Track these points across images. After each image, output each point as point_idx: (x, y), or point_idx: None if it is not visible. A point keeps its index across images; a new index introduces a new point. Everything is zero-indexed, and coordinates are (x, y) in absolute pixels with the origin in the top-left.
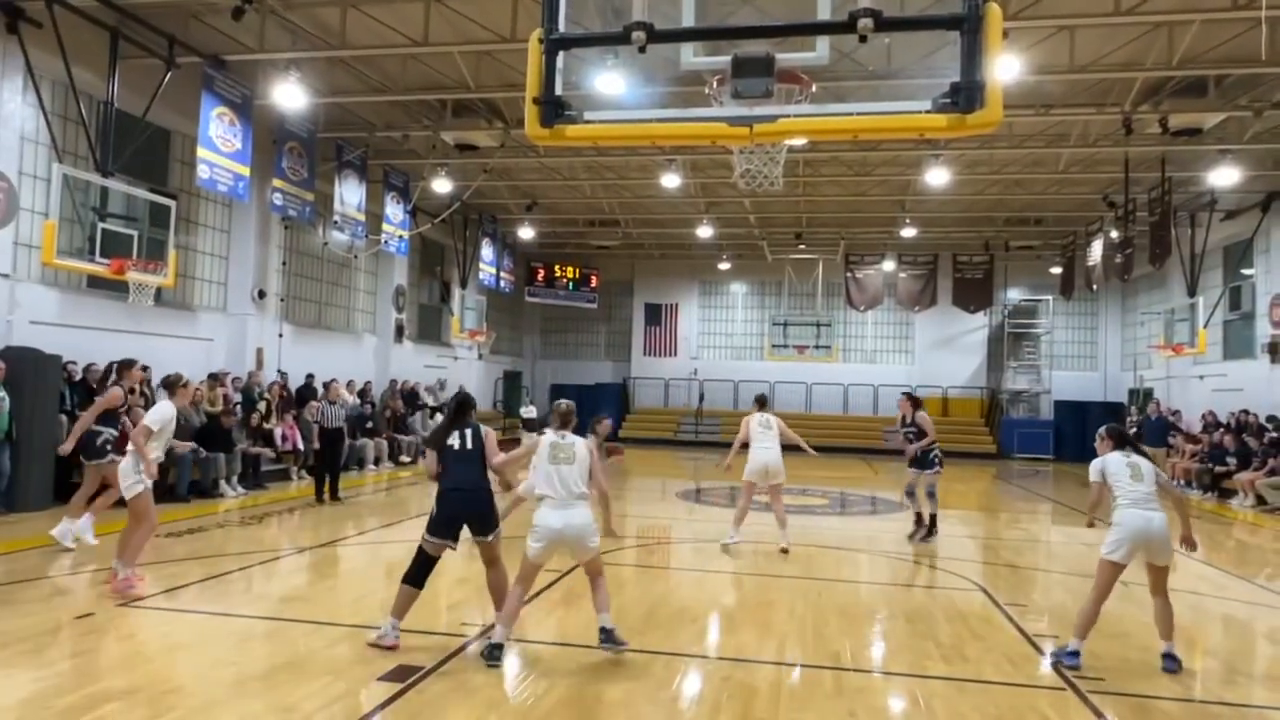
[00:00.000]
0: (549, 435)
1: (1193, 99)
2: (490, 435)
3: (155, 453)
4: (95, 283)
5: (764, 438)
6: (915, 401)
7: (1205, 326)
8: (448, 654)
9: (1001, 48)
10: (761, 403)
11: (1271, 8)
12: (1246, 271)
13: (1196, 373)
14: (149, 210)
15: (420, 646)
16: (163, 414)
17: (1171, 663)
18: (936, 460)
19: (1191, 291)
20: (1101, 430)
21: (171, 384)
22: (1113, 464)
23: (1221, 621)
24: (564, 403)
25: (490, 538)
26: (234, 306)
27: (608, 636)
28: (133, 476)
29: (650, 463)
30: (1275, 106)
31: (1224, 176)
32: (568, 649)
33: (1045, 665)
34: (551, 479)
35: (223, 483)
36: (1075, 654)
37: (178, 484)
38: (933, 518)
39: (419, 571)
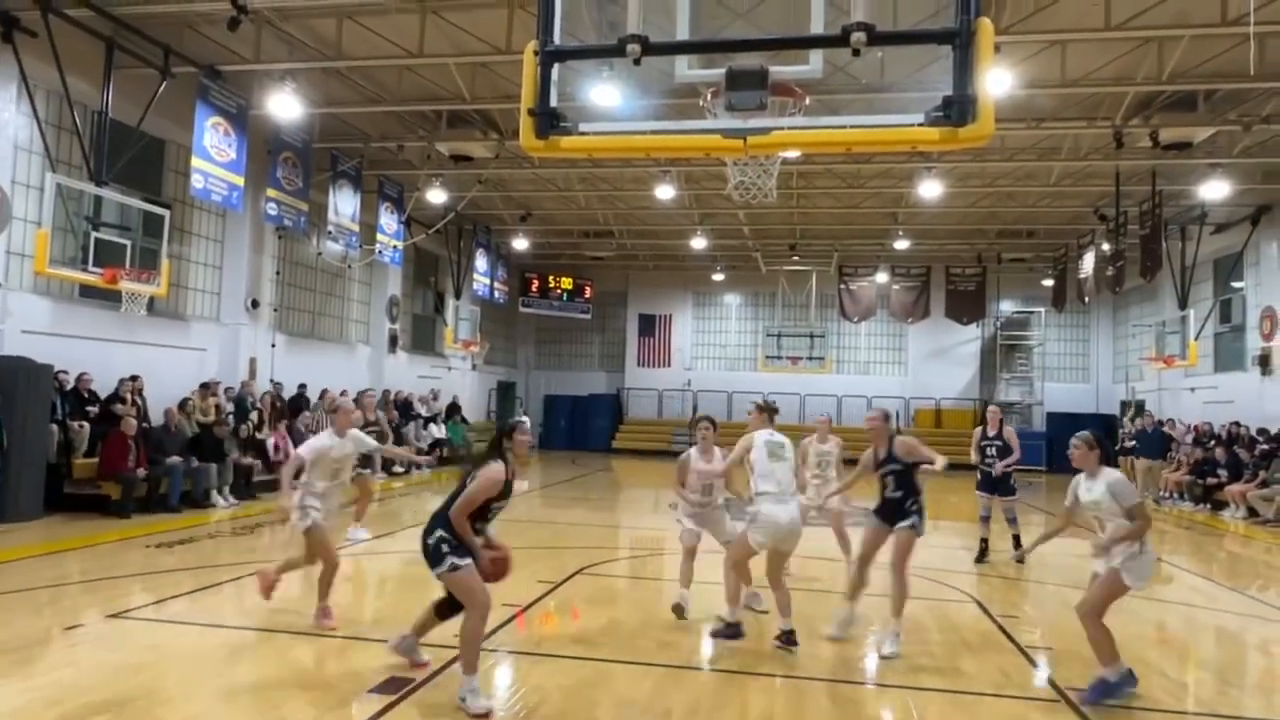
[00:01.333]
0: (763, 434)
1: (1182, 113)
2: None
3: (318, 486)
4: (88, 292)
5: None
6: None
7: (1196, 339)
8: (441, 665)
9: (993, 62)
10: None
11: (1260, 23)
12: (1236, 284)
13: (1188, 385)
14: (143, 220)
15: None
16: (315, 446)
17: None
18: (1014, 484)
19: (1182, 304)
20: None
21: (332, 409)
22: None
23: (1213, 633)
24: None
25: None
26: (227, 316)
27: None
28: (298, 510)
29: (644, 474)
30: (1264, 121)
31: (1214, 190)
32: (559, 660)
33: (1039, 677)
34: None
35: (214, 493)
36: (1120, 684)
37: (169, 494)
38: (1015, 538)
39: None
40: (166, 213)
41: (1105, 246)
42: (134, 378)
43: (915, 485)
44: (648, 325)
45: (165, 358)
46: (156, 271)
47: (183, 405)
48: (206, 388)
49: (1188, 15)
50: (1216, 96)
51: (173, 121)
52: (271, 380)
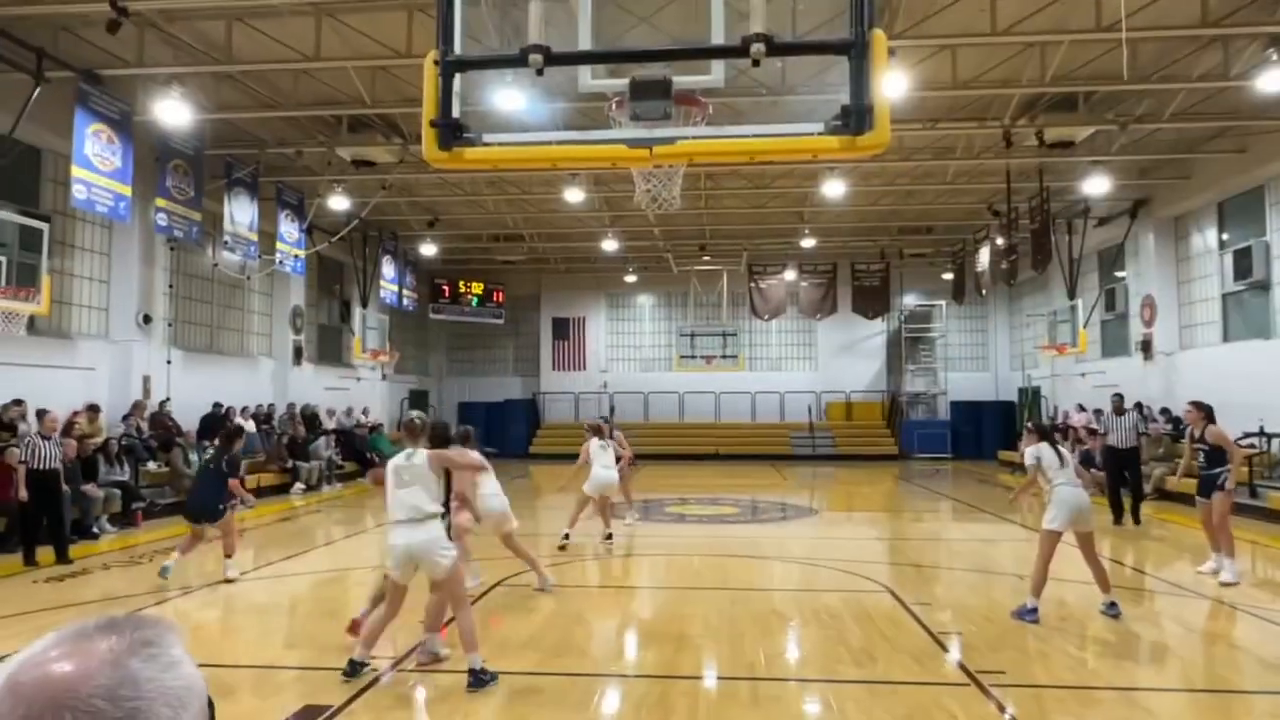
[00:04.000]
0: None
1: (1065, 114)
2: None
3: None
4: None
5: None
6: (1208, 412)
7: (1085, 327)
8: (357, 690)
9: (887, 71)
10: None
11: (1131, 29)
12: (1119, 274)
13: (1079, 370)
14: (19, 234)
15: (326, 685)
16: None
17: (1113, 609)
18: (1224, 480)
19: (1071, 294)
20: (1029, 424)
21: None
22: (1046, 453)
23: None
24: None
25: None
26: (117, 333)
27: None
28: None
29: (560, 478)
30: (1138, 120)
31: (1096, 186)
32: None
33: (950, 662)
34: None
35: (105, 521)
36: (1034, 610)
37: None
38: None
39: None
40: (45, 226)
41: (999, 241)
42: (18, 402)
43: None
44: (561, 329)
45: (50, 378)
46: (36, 288)
47: (68, 429)
48: (94, 409)
49: (1066, 21)
50: (1095, 98)
51: (49, 129)
52: (160, 401)
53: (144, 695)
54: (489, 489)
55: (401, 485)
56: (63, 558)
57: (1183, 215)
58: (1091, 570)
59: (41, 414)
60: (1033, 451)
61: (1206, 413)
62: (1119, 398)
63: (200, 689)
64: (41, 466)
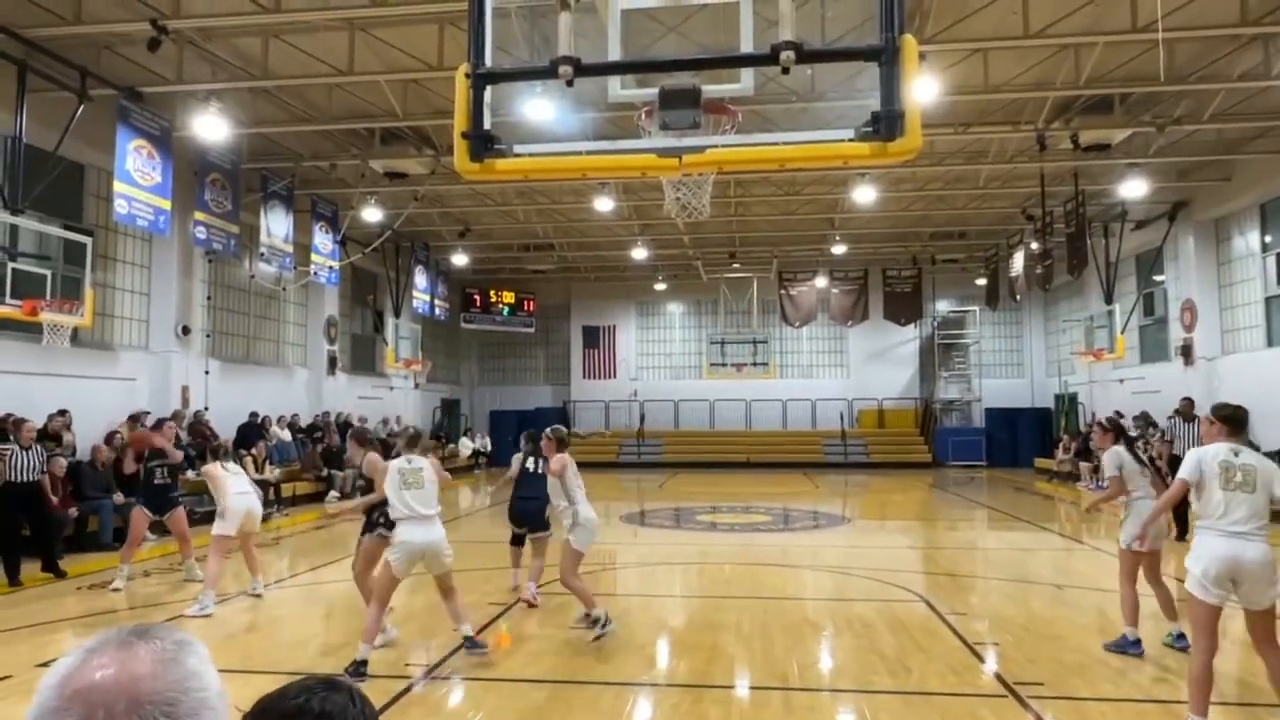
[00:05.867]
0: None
1: (1100, 116)
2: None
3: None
4: (5, 325)
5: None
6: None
7: (1123, 332)
8: (391, 698)
9: (918, 77)
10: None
11: (1168, 30)
12: (1158, 278)
13: (1116, 376)
14: (63, 248)
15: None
16: None
17: (1182, 640)
18: None
19: (1108, 299)
20: (1103, 421)
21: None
22: (1128, 459)
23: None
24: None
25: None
26: (157, 344)
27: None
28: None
29: (592, 486)
30: (1176, 122)
31: (1133, 189)
32: (514, 685)
33: (987, 672)
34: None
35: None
36: (1137, 642)
37: (100, 532)
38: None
39: None
40: (89, 240)
41: (1034, 245)
42: (62, 412)
43: None
44: (592, 337)
45: (92, 390)
46: (80, 301)
47: (110, 439)
48: (135, 419)
49: (1101, 22)
50: (1131, 99)
51: (93, 145)
52: (197, 410)
53: (206, 686)
54: (238, 488)
55: (407, 487)
56: (53, 569)
57: (1224, 217)
58: (1156, 594)
59: (19, 423)
60: (1114, 458)
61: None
62: (1188, 402)
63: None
64: (21, 479)
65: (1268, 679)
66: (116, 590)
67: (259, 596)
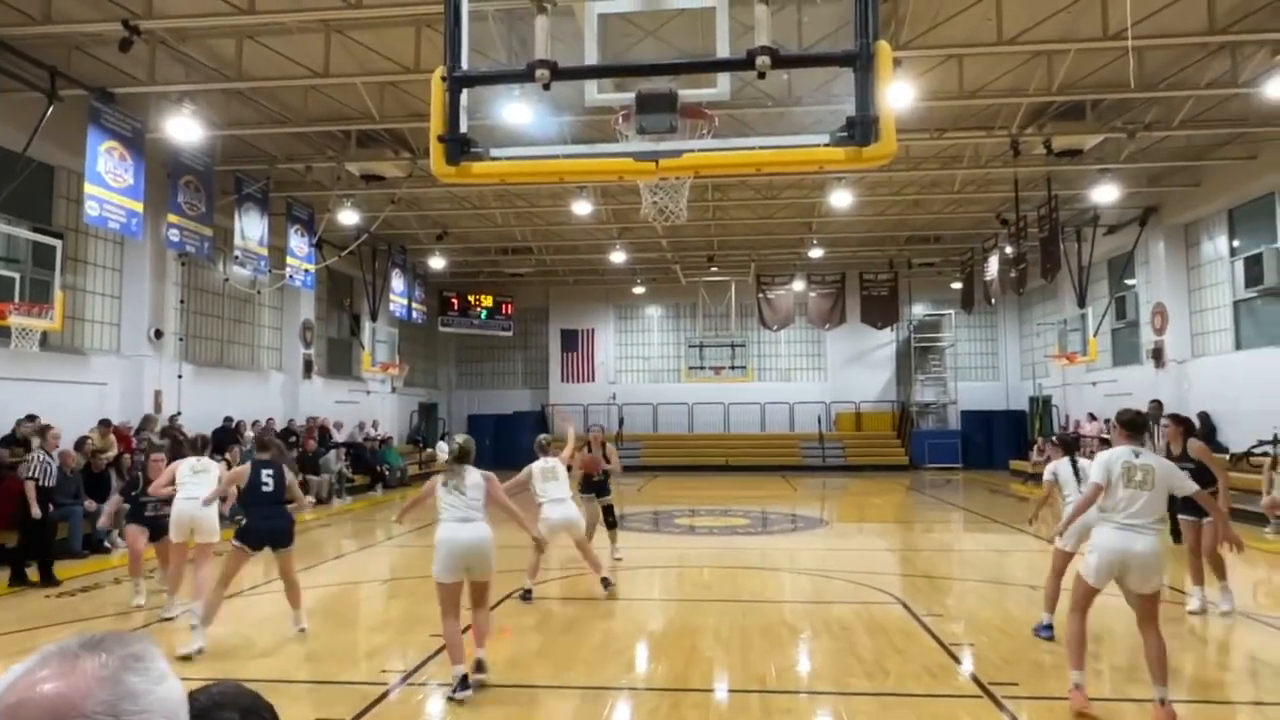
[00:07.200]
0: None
1: (1073, 122)
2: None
3: None
4: None
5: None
6: (1188, 426)
7: (1095, 335)
8: (368, 703)
9: (893, 82)
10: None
11: (1137, 37)
12: (1129, 282)
13: (1089, 379)
14: (32, 250)
15: (337, 698)
16: None
17: (1047, 631)
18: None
19: (1081, 302)
20: (1055, 438)
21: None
22: (1065, 469)
23: (1129, 619)
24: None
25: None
26: (129, 348)
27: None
28: None
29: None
30: (1146, 128)
31: (1104, 194)
32: (492, 689)
33: (963, 674)
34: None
35: (117, 535)
36: (1049, 627)
37: (70, 539)
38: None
39: None
40: (58, 242)
41: (1008, 249)
42: (31, 418)
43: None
44: (570, 340)
45: (62, 394)
46: (50, 304)
47: (80, 444)
48: (106, 424)
49: (1073, 30)
50: (1103, 106)
51: (63, 147)
52: (169, 415)
53: (144, 708)
54: (184, 493)
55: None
56: (47, 577)
57: (1193, 222)
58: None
59: (45, 429)
60: (1052, 467)
61: (1186, 427)
62: (1156, 404)
63: (184, 700)
64: (49, 483)
65: (1144, 654)
66: (170, 618)
67: (171, 620)
